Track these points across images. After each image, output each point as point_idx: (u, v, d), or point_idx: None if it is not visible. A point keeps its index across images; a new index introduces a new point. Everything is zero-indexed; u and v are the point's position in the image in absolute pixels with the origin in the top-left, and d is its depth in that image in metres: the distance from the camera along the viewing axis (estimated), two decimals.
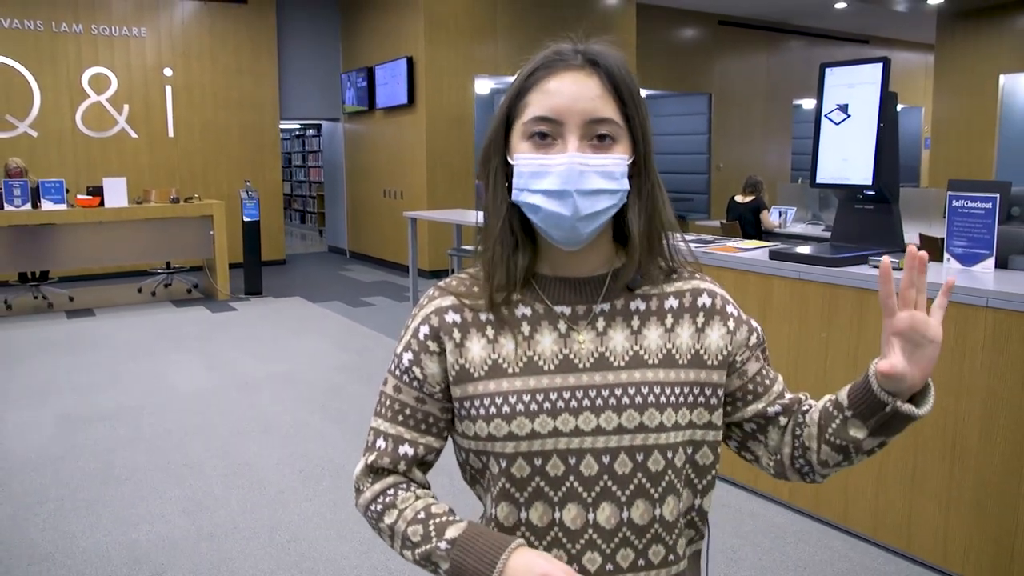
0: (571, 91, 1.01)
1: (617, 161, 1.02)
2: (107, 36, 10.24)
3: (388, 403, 1.14)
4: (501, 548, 1.02)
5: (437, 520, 1.08)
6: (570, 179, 0.99)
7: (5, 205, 7.74)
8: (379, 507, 1.12)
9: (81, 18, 10.06)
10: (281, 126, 11.88)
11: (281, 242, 11.90)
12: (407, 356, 1.12)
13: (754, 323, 1.17)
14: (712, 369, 1.10)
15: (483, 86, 11.08)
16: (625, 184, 1.03)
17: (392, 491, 1.12)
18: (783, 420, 1.17)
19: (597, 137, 1.02)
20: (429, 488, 1.17)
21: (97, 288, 9.50)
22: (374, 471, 1.14)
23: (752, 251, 3.73)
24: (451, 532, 1.06)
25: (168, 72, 10.66)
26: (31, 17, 9.78)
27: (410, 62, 10.06)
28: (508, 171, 1.07)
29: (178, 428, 4.65)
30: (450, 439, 1.17)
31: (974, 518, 2.84)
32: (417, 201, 10.18)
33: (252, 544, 3.29)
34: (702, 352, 1.10)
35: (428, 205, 9.89)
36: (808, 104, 14.74)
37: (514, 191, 1.05)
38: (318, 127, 14.45)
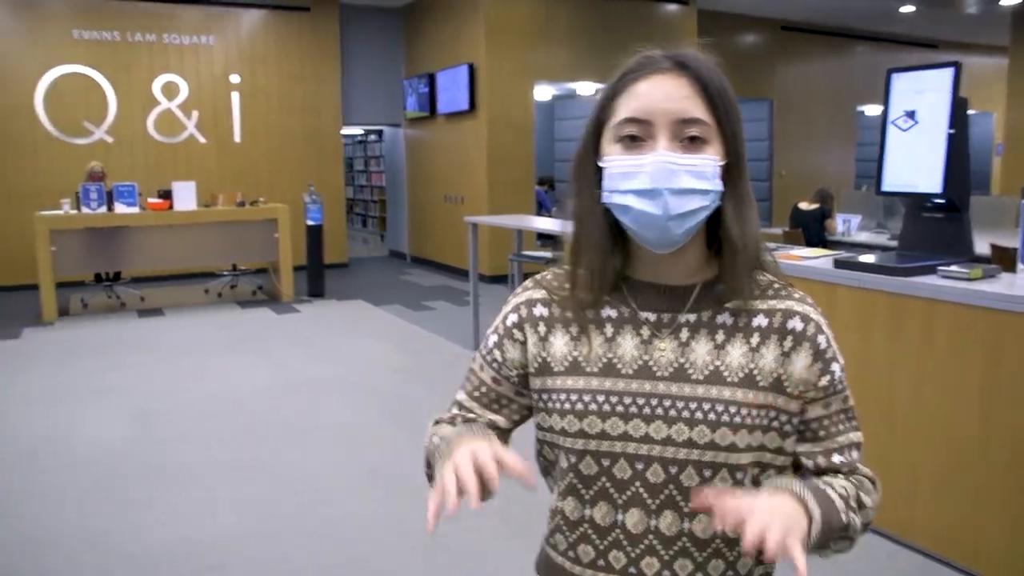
0: (660, 92, 1.01)
1: (708, 161, 1.01)
2: (177, 45, 10.54)
3: (472, 379, 1.21)
4: (458, 444, 1.03)
5: (448, 430, 1.13)
6: (660, 177, 0.99)
7: (82, 208, 8.03)
8: (425, 442, 1.18)
9: (154, 28, 10.38)
10: (344, 132, 12.07)
11: (343, 246, 12.07)
12: (493, 338, 1.19)
13: (836, 365, 1.10)
14: (791, 397, 1.07)
15: (544, 92, 11.11)
16: (717, 185, 1.02)
17: (437, 427, 1.18)
18: (807, 476, 1.14)
19: (688, 138, 1.01)
20: None
21: (166, 289, 9.77)
22: (436, 423, 1.21)
23: (816, 259, 3.69)
24: (446, 431, 1.12)
25: (235, 79, 10.93)
26: (108, 28, 10.13)
27: (471, 68, 10.15)
28: (600, 175, 1.06)
29: (240, 427, 4.77)
30: (521, 425, 1.22)
31: None
32: (478, 206, 10.25)
33: (307, 543, 3.36)
34: (784, 378, 1.06)
35: (489, 210, 9.95)
36: (872, 110, 14.45)
37: (604, 193, 1.04)
38: (380, 133, 14.65)
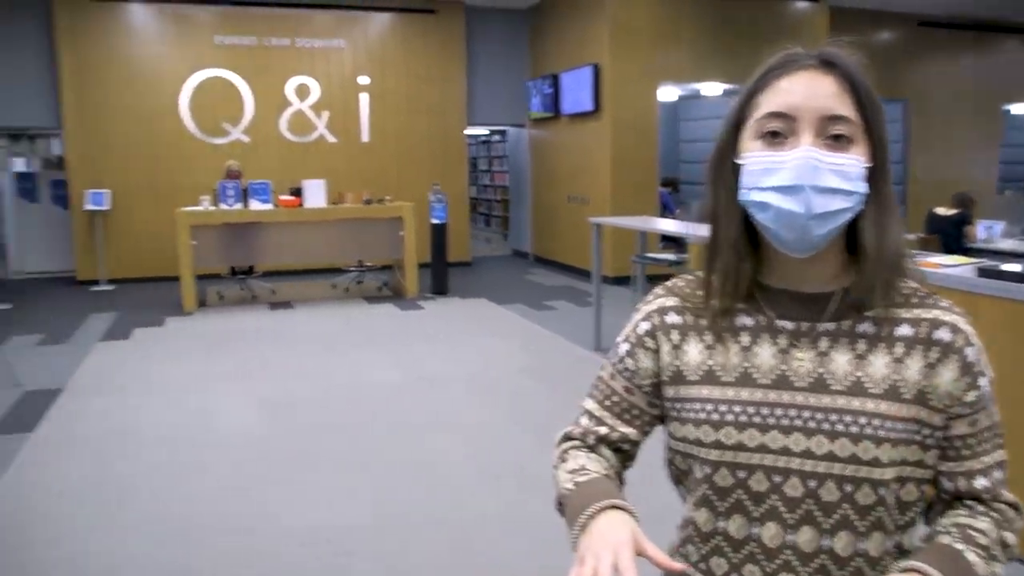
0: (806, 88, 0.98)
1: (853, 161, 0.97)
2: (309, 48, 10.96)
3: (601, 387, 1.19)
4: (590, 504, 1.01)
5: (582, 472, 1.11)
6: (804, 174, 0.96)
7: (220, 204, 8.45)
8: (555, 462, 1.18)
9: (288, 32, 10.83)
10: (468, 132, 12.26)
11: (466, 244, 12.24)
12: (624, 347, 1.17)
13: (984, 379, 1.04)
14: (935, 411, 1.02)
15: (668, 93, 10.98)
16: (862, 187, 0.98)
17: (570, 451, 1.17)
18: (944, 497, 1.09)
19: (832, 136, 0.97)
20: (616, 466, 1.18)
21: (296, 283, 10.16)
22: (567, 438, 1.20)
23: (956, 267, 3.52)
24: (581, 478, 1.09)
25: (364, 80, 11.26)
26: (247, 33, 10.65)
27: (596, 69, 10.13)
28: (738, 175, 1.03)
29: (365, 419, 4.91)
30: (653, 434, 1.20)
31: None
32: (601, 207, 10.20)
33: (431, 537, 3.42)
34: (928, 391, 1.01)
35: (611, 211, 9.89)
36: (1020, 109, 13.63)
37: (741, 190, 1.01)
38: (503, 133, 14.80)
